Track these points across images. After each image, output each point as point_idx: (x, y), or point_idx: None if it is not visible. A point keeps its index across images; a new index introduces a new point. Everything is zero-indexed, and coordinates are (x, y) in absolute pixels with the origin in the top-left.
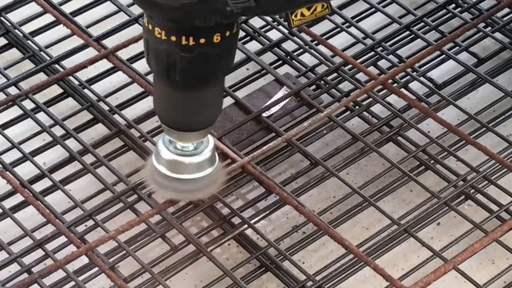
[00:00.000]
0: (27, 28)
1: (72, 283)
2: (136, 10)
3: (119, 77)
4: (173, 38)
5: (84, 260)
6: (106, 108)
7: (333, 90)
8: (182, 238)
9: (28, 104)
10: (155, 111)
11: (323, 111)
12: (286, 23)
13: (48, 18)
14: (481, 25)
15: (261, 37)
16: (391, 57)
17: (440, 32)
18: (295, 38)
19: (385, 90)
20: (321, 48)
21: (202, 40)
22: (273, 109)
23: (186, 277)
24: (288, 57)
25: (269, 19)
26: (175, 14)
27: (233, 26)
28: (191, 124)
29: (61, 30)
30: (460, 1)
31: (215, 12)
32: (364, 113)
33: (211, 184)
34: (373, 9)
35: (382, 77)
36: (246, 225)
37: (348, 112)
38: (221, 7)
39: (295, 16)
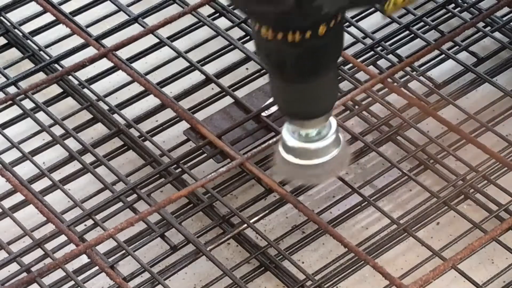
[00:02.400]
0: (27, 28)
1: (72, 282)
2: (136, 9)
3: (119, 77)
4: (280, 36)
5: (83, 259)
6: (106, 107)
7: None
8: (182, 238)
9: (28, 104)
10: (275, 104)
11: None
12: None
13: (47, 18)
14: (481, 24)
15: None
16: (390, 56)
17: (439, 31)
18: None
19: (384, 90)
20: None
21: (308, 35)
22: (273, 109)
23: (185, 277)
24: None
25: None
26: (273, 19)
27: (337, 15)
28: (311, 112)
29: (60, 30)
30: (460, 1)
31: (311, 15)
32: (364, 112)
33: (339, 164)
34: (372, 9)
35: (381, 75)
36: (246, 225)
37: (348, 111)
38: (317, 10)
39: (388, 5)
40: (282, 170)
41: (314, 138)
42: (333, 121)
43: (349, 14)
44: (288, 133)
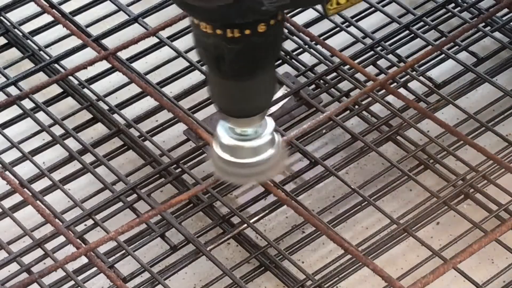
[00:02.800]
0: (27, 28)
1: (72, 282)
2: (136, 9)
3: (119, 77)
4: (219, 32)
5: (83, 259)
6: (106, 107)
7: (332, 89)
8: (182, 238)
9: (28, 104)
10: (211, 99)
11: (323, 110)
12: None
13: (47, 18)
14: (481, 24)
15: None
16: (390, 56)
17: (439, 31)
18: (294, 37)
19: (384, 90)
20: (321, 47)
21: (248, 31)
22: (272, 109)
23: (185, 277)
24: (288, 57)
25: None
26: (212, 15)
27: (278, 14)
28: (246, 111)
29: (60, 30)
30: (460, 1)
31: (251, 11)
32: (364, 112)
33: (274, 166)
34: (372, 9)
35: (381, 78)
36: (246, 225)
37: (348, 111)
38: (257, 6)
39: (331, 5)
40: (216, 167)
41: (249, 137)
42: (270, 121)
43: (348, 14)
44: (223, 130)
